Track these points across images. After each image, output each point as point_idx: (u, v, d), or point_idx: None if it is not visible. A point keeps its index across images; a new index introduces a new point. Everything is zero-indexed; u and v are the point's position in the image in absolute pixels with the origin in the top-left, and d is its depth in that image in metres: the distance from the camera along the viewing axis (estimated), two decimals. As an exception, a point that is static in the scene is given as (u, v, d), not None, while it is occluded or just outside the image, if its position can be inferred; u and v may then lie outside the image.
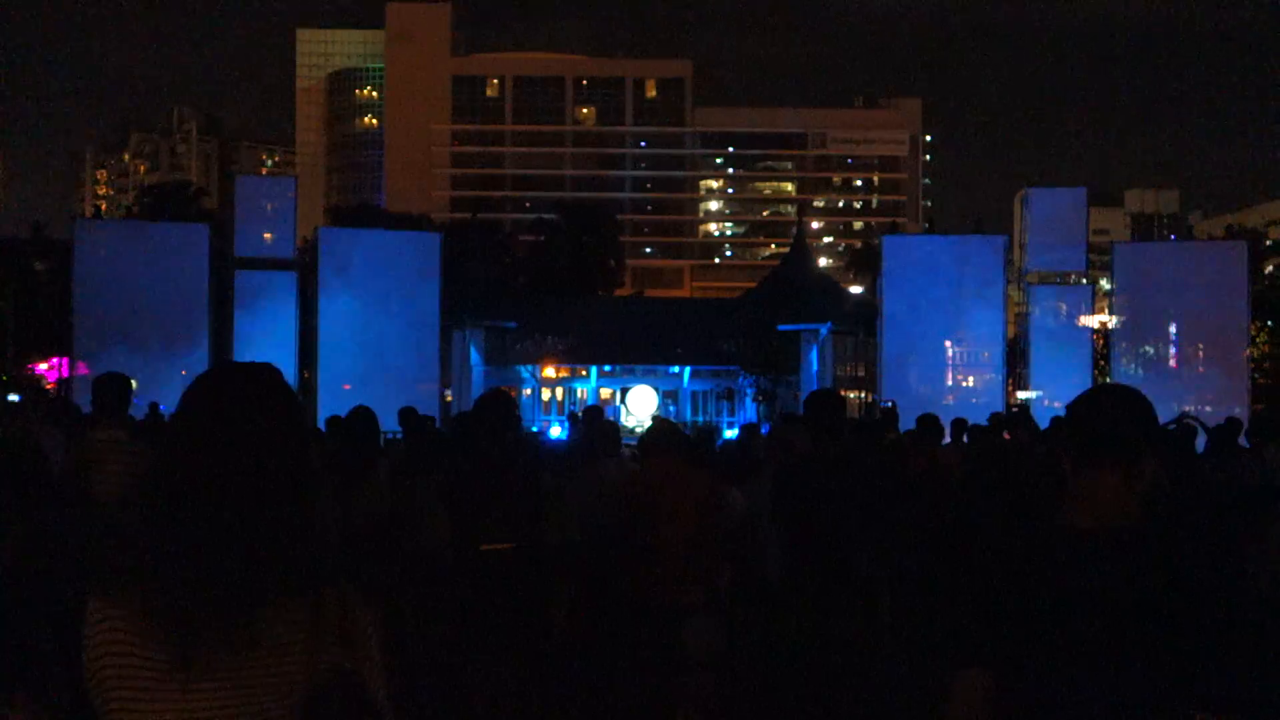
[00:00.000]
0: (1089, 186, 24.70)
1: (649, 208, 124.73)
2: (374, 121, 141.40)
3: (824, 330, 38.65)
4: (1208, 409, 19.78)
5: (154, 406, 16.75)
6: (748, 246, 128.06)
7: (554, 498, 5.97)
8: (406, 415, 11.12)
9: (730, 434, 21.18)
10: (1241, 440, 10.28)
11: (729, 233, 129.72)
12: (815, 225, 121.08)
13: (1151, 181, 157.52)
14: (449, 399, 30.85)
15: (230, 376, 2.06)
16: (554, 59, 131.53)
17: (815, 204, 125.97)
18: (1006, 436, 12.53)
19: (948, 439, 11.72)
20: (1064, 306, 23.78)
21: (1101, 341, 27.75)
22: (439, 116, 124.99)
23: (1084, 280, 24.24)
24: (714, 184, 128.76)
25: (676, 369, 44.23)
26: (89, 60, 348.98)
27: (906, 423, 14.99)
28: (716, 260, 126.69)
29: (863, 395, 36.72)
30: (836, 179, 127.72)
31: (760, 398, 39.87)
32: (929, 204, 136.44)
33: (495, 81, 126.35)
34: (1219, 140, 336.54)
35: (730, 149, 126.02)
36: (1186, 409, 19.63)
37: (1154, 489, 2.52)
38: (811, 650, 5.88)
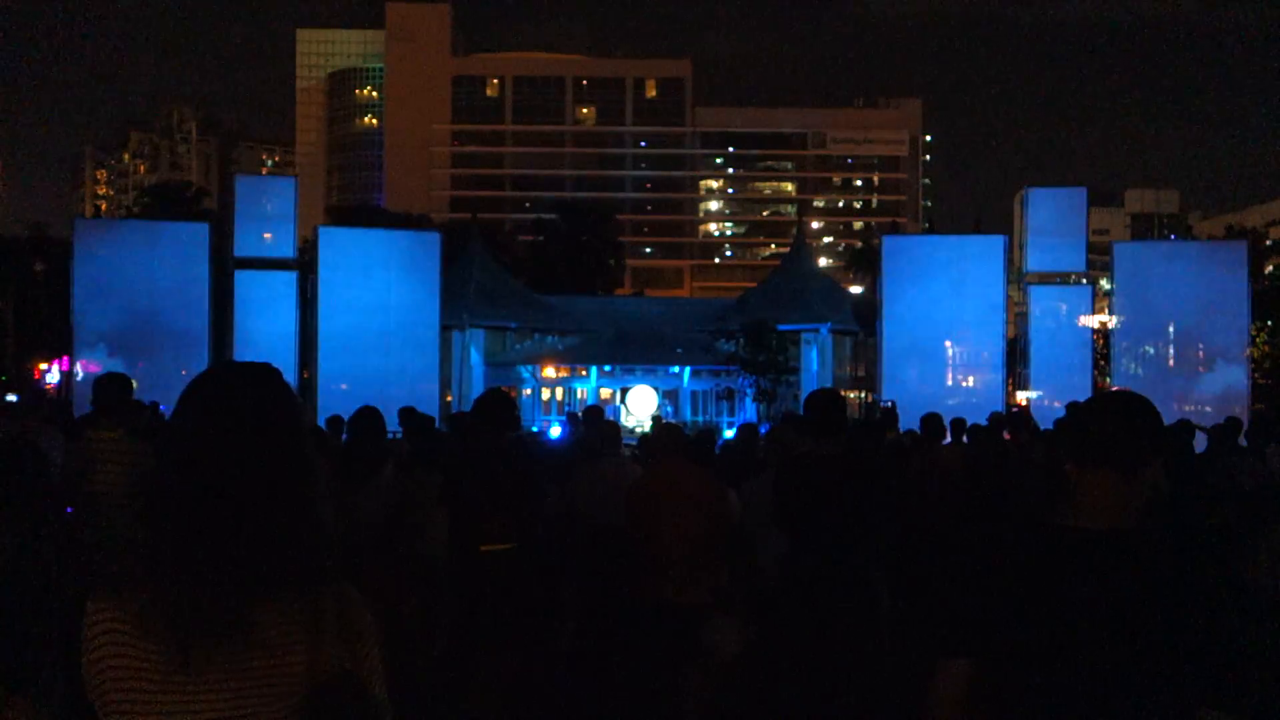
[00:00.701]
0: (1089, 186, 24.69)
1: (649, 208, 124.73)
2: (374, 121, 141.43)
3: (824, 330, 38.66)
4: (1208, 409, 19.76)
5: (154, 406, 16.73)
6: (748, 246, 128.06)
7: (553, 499, 5.96)
8: (407, 415, 11.11)
9: (729, 434, 21.17)
10: (1241, 440, 10.30)
11: (729, 233, 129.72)
12: (815, 225, 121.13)
13: (1151, 181, 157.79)
14: (449, 399, 30.85)
15: (230, 376, 2.05)
16: (554, 59, 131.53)
17: (815, 204, 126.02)
18: (1007, 436, 12.52)
19: (948, 439, 11.73)
20: (1064, 306, 23.75)
21: (1101, 341, 27.73)
22: (439, 116, 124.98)
23: (1084, 280, 24.21)
24: (714, 184, 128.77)
25: (676, 369, 44.21)
26: (89, 60, 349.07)
27: (906, 422, 15.00)
28: (716, 260, 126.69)
29: (863, 395, 36.72)
30: (836, 179, 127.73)
31: (760, 398, 39.84)
32: (929, 204, 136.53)
33: (495, 81, 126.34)
34: (1219, 140, 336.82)
35: (730, 149, 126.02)
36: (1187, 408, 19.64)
37: (1155, 492, 2.54)
38: (811, 651, 5.87)
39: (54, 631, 3.78)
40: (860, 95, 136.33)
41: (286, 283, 23.78)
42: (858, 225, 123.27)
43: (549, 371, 44.04)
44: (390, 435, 11.79)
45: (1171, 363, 22.94)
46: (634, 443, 13.84)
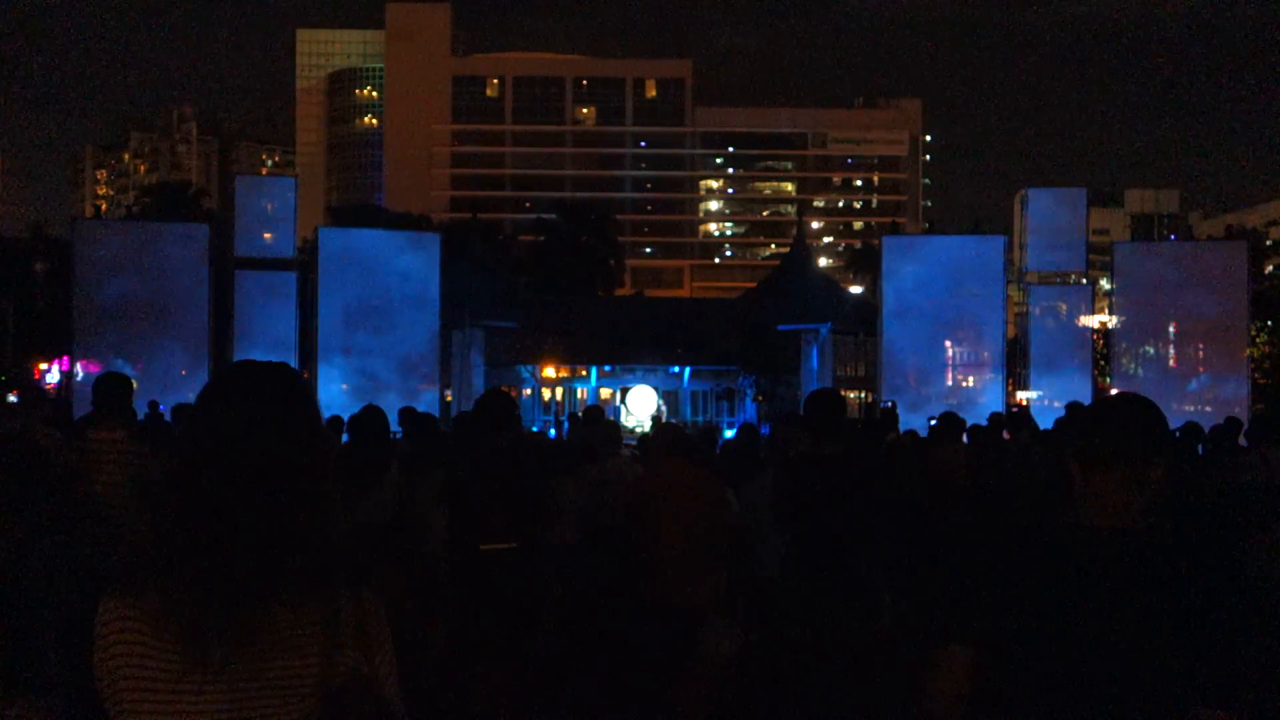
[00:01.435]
0: (1089, 186, 24.68)
1: (649, 208, 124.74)
2: (374, 121, 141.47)
3: (824, 330, 38.63)
4: (1208, 409, 19.76)
5: (154, 406, 16.75)
6: (748, 246, 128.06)
7: (553, 499, 5.96)
8: (408, 415, 11.11)
9: (729, 434, 21.17)
10: (1241, 440, 10.29)
11: (729, 233, 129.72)
12: (815, 225, 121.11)
13: (1151, 181, 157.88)
14: (449, 399, 30.84)
15: (248, 375, 2.02)
16: (554, 59, 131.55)
17: (815, 204, 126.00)
18: (1007, 436, 12.52)
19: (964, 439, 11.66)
20: (1064, 306, 23.73)
21: (1101, 341, 27.70)
22: (439, 116, 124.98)
23: (1084, 280, 24.20)
24: (714, 184, 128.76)
25: (676, 369, 44.22)
26: (89, 60, 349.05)
27: (907, 422, 15.00)
28: (716, 260, 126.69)
29: (863, 395, 36.72)
30: (836, 179, 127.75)
31: (760, 398, 39.85)
32: (929, 204, 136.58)
33: (495, 81, 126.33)
34: (1219, 140, 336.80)
35: (730, 149, 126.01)
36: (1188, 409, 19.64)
37: (1160, 492, 2.56)
38: (810, 651, 5.88)
39: (54, 631, 3.78)
40: (860, 95, 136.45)
41: (286, 283, 23.77)
42: (858, 225, 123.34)
43: (549, 371, 44.04)
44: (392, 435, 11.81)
45: (1172, 363, 22.92)
46: (634, 443, 13.83)
